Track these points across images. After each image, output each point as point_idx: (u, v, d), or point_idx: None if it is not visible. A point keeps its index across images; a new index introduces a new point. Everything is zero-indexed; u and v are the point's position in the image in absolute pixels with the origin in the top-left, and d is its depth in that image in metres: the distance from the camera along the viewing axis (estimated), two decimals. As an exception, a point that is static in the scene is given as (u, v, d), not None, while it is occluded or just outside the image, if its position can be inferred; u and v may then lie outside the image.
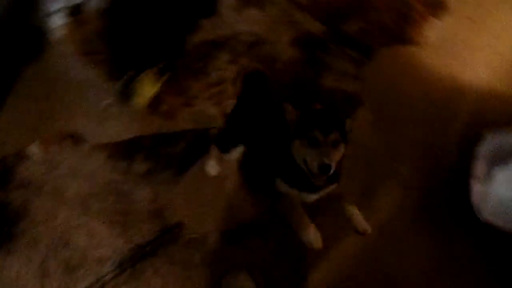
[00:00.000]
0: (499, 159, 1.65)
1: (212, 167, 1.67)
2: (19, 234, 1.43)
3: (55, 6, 1.78)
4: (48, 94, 1.66)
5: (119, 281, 1.44)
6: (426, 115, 2.09)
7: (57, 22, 1.77)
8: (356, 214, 1.36)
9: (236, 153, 1.61)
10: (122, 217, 1.53)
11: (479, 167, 1.68)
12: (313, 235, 1.27)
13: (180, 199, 1.62)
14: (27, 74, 1.68)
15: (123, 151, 1.63)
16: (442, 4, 2.46)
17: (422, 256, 1.62)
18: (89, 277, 1.42)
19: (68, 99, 1.67)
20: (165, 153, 1.67)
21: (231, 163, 1.71)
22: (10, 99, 1.62)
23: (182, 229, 1.57)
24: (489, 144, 1.74)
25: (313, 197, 1.35)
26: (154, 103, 1.73)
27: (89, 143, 1.61)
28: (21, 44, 1.69)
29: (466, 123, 1.98)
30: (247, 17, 2.07)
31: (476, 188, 1.65)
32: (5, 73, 1.62)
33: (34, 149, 1.55)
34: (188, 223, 1.59)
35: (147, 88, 1.70)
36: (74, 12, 1.79)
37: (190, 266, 1.52)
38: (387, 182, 1.86)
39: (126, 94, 1.68)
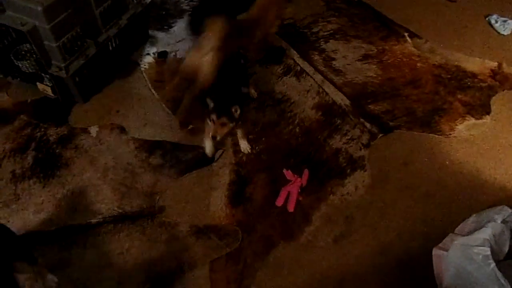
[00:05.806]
0: (467, 232, 1.56)
1: (208, 148, 2.12)
2: (58, 176, 2.00)
3: (149, 50, 2.63)
4: (121, 99, 2.36)
5: (100, 230, 1.83)
6: (432, 198, 2.07)
7: (147, 60, 2.57)
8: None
9: None
10: (125, 189, 1.97)
11: (448, 238, 1.61)
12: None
13: (172, 191, 2.00)
14: (115, 84, 2.44)
15: (148, 146, 2.14)
16: (485, 107, 2.50)
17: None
18: (82, 219, 1.86)
19: (132, 106, 2.33)
20: (176, 157, 2.13)
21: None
22: (98, 95, 2.39)
23: (162, 212, 1.92)
24: (468, 221, 1.66)
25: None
26: (186, 123, 2.26)
27: (129, 135, 2.18)
28: (119, 67, 2.49)
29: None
30: (285, 82, 2.55)
31: (437, 257, 1.57)
32: (103, 80, 2.41)
33: (93, 129, 2.20)
34: (168, 210, 1.93)
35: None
36: (160, 55, 2.58)
37: (155, 241, 1.83)
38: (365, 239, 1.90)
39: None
